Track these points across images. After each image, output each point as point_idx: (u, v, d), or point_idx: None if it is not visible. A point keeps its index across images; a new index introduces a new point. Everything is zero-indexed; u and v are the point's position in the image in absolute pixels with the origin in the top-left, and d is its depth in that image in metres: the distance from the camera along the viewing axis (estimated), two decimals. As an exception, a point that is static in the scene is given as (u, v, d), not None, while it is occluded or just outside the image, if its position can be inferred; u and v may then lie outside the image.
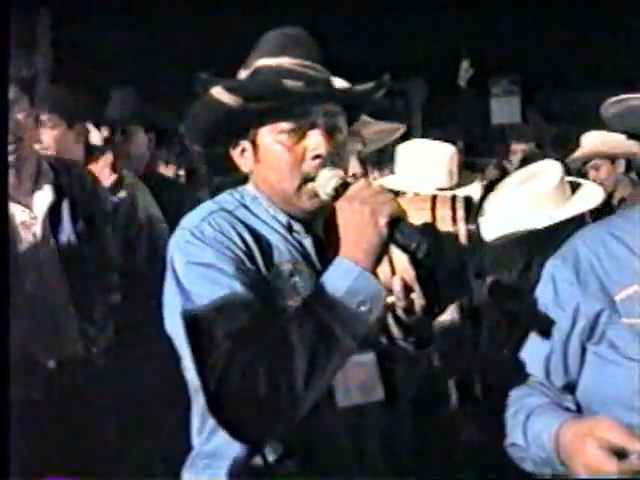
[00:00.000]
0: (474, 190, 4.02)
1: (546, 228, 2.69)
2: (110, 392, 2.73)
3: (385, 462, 1.73)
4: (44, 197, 2.64)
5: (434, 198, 1.66)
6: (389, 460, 1.74)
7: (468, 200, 1.65)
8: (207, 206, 1.74)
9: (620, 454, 1.47)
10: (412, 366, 1.76)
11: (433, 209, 1.63)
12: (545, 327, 1.76)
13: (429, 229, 1.60)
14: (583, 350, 1.74)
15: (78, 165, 2.96)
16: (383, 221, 1.49)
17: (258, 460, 1.64)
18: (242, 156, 1.74)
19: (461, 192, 3.87)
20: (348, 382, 1.66)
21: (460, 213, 1.61)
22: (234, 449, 1.64)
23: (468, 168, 4.51)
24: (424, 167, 3.62)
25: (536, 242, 2.73)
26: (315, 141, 1.64)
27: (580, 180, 3.02)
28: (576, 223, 2.61)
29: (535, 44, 8.54)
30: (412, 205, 1.65)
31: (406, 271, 1.56)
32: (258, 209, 1.74)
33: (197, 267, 1.60)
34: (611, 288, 1.70)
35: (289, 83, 1.62)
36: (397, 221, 1.51)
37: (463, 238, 1.59)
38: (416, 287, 1.58)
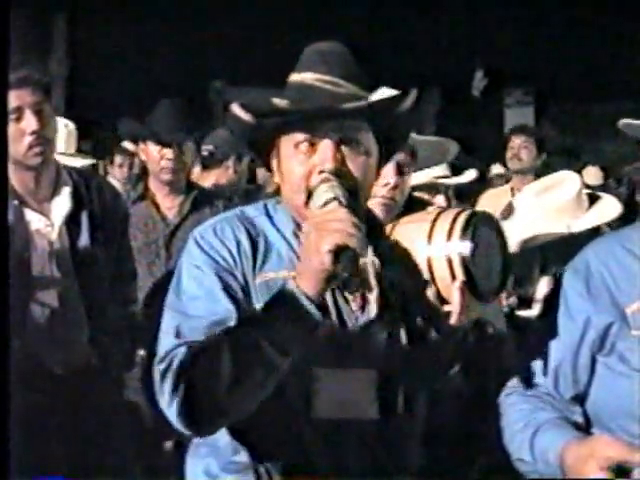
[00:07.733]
0: (470, 176, 4.15)
1: (562, 239, 2.70)
2: (116, 401, 2.75)
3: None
4: (62, 204, 2.63)
5: (442, 211, 1.65)
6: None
7: (472, 215, 1.61)
8: (229, 212, 1.84)
9: (624, 471, 1.49)
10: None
11: (434, 221, 1.61)
12: (555, 338, 1.76)
13: (398, 253, 1.60)
14: (593, 362, 1.74)
15: (97, 176, 2.97)
16: (324, 249, 1.48)
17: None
18: (275, 166, 1.76)
19: (458, 179, 3.99)
20: (340, 395, 1.66)
21: (458, 226, 1.58)
22: (228, 440, 1.71)
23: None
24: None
25: (550, 253, 2.73)
26: (322, 156, 1.64)
27: (598, 193, 3.01)
28: (590, 235, 2.60)
29: (549, 55, 8.55)
30: (417, 217, 1.64)
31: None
32: (280, 218, 1.77)
33: (190, 267, 1.73)
34: (622, 300, 1.70)
35: (275, 101, 1.69)
36: (344, 251, 1.48)
37: (455, 255, 1.56)
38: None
